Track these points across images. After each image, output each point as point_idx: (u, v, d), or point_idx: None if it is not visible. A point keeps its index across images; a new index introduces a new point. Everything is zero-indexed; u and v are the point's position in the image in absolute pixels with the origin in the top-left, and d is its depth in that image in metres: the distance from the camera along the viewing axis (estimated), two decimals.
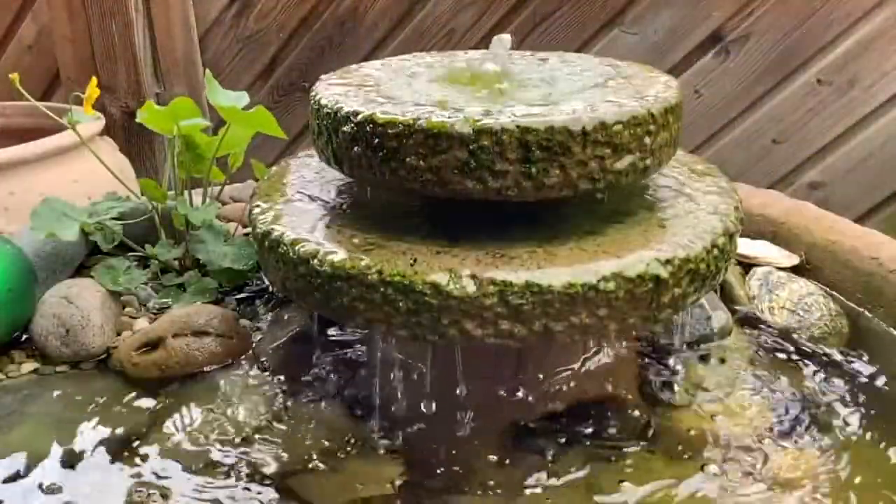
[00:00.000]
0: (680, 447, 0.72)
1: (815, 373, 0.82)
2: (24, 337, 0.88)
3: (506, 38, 0.78)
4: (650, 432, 0.74)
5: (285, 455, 0.72)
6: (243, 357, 0.86)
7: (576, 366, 0.80)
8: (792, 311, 0.90)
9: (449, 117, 0.66)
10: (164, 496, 0.68)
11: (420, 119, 0.66)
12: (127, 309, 0.93)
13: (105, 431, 0.76)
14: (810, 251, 0.99)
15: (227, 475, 0.70)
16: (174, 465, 0.71)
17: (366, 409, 0.78)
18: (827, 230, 0.99)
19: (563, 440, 0.73)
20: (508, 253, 0.67)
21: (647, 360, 0.85)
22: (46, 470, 0.71)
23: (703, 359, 0.84)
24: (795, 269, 0.98)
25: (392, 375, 0.79)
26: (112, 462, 0.72)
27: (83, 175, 1.30)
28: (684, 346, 0.86)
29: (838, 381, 0.81)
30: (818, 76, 1.69)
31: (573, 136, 0.66)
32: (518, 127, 0.65)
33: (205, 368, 0.83)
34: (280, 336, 0.88)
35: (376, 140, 0.68)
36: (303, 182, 0.84)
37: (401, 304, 0.64)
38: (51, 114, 1.16)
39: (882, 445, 0.72)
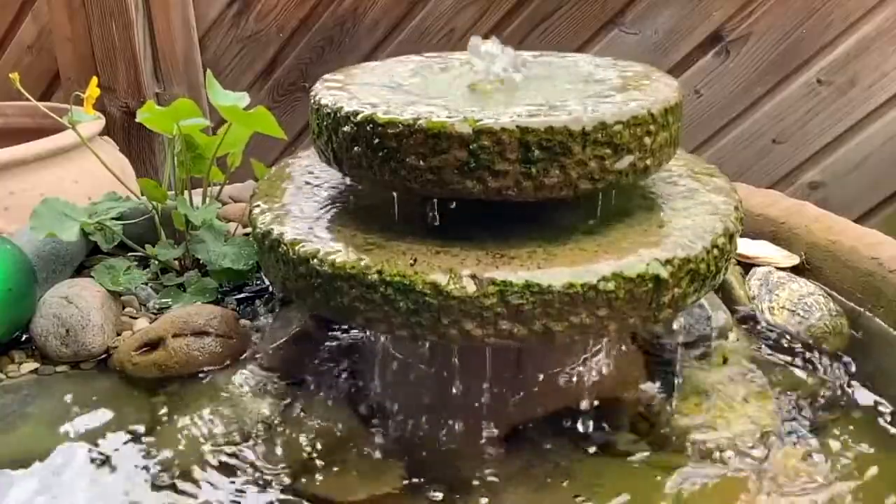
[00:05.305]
0: (680, 447, 0.72)
1: (815, 373, 0.82)
2: (24, 337, 0.88)
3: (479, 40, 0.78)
4: (650, 432, 0.74)
5: (286, 455, 0.72)
6: (243, 357, 0.86)
7: (576, 366, 0.80)
8: (792, 311, 0.90)
9: (449, 117, 0.66)
10: (164, 496, 0.68)
11: (420, 119, 0.66)
12: (127, 309, 0.93)
13: (105, 432, 0.76)
14: (810, 251, 0.99)
15: (228, 475, 0.70)
16: (174, 465, 0.71)
17: (366, 409, 0.78)
18: (827, 230, 0.98)
19: (564, 441, 0.73)
20: (508, 253, 0.67)
21: (647, 360, 0.85)
22: (46, 470, 0.71)
23: (703, 359, 0.84)
24: (795, 269, 0.98)
25: (392, 375, 0.79)
26: (112, 462, 0.72)
27: (83, 175, 1.30)
28: (684, 347, 0.86)
29: (838, 382, 0.81)
30: (818, 76, 1.69)
31: (573, 136, 0.66)
32: (518, 127, 0.65)
33: (205, 368, 0.83)
34: (280, 336, 0.88)
35: (376, 140, 0.68)
36: (302, 182, 0.84)
37: (401, 304, 0.64)
38: (51, 114, 1.16)
39: (883, 445, 0.72)
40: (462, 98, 0.74)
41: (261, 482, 0.69)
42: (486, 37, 0.78)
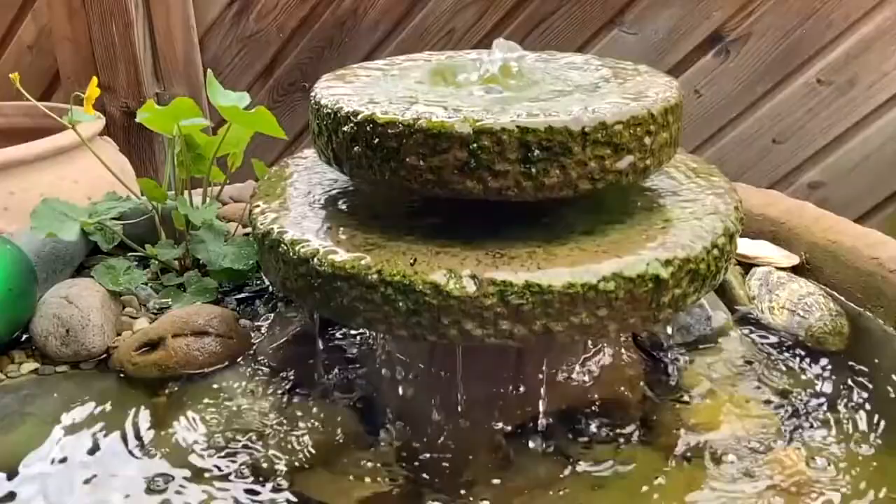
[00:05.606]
0: (680, 447, 0.72)
1: (814, 373, 0.82)
2: (24, 337, 0.88)
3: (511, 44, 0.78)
4: (650, 432, 0.74)
5: (286, 455, 0.72)
6: (243, 357, 0.86)
7: (576, 366, 0.80)
8: (792, 311, 0.90)
9: (449, 117, 0.66)
10: (164, 497, 0.68)
11: (420, 119, 0.66)
12: (127, 309, 0.93)
13: (105, 432, 0.76)
14: (810, 251, 0.99)
15: (228, 475, 0.70)
16: (174, 466, 0.71)
17: (366, 409, 0.78)
18: (827, 230, 0.99)
19: (564, 440, 0.73)
20: (508, 253, 0.67)
21: (647, 360, 0.85)
22: (46, 470, 0.71)
23: (703, 359, 0.84)
24: (795, 269, 0.98)
25: (392, 375, 0.79)
26: (112, 463, 0.72)
27: (83, 175, 1.30)
28: (684, 346, 0.86)
29: (838, 382, 0.81)
30: (818, 76, 1.69)
31: (573, 136, 0.66)
32: (518, 127, 0.65)
33: (205, 368, 0.83)
34: (280, 336, 0.88)
35: (376, 140, 0.68)
36: (302, 182, 0.84)
37: (401, 304, 0.64)
38: (51, 114, 1.16)
39: (883, 446, 0.72)
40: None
41: (260, 483, 0.69)
42: (485, 37, 0.78)
